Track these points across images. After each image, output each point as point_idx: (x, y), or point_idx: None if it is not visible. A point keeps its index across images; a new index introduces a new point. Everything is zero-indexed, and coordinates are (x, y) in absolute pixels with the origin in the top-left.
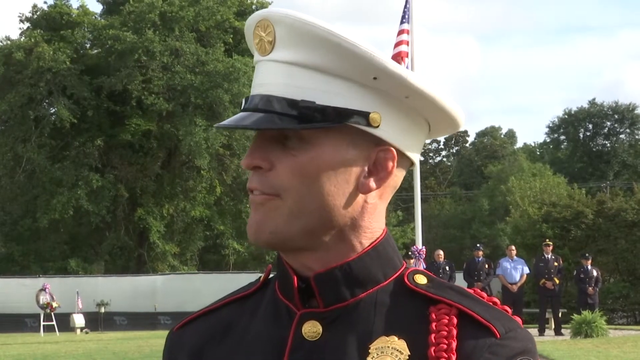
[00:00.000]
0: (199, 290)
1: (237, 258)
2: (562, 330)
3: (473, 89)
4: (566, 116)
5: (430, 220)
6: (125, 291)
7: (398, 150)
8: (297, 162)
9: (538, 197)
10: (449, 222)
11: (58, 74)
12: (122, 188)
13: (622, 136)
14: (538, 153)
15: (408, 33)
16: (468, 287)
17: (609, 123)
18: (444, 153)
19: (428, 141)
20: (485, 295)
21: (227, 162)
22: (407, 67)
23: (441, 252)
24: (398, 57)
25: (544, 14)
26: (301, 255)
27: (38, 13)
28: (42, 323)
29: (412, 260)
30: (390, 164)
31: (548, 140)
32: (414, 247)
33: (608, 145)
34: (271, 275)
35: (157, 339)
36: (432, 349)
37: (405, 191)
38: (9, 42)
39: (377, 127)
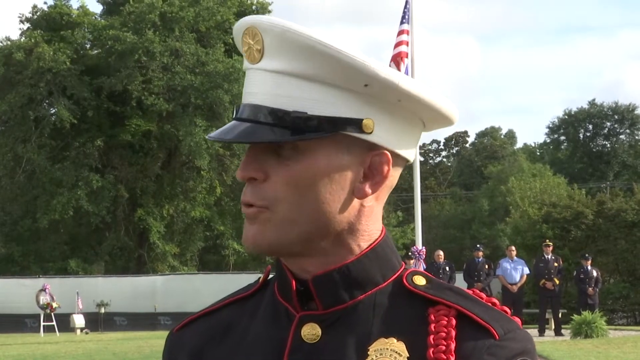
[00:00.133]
0: (199, 290)
1: (237, 258)
2: (562, 331)
3: (473, 89)
4: (566, 116)
5: (430, 220)
6: (125, 291)
7: (392, 152)
8: (292, 172)
9: (538, 197)
10: (449, 223)
11: (58, 75)
12: (122, 188)
13: (622, 137)
14: (538, 153)
15: (408, 33)
16: (468, 287)
17: (609, 123)
18: (444, 153)
19: (428, 142)
20: (484, 296)
21: (227, 162)
22: (407, 68)
23: (441, 253)
24: (398, 58)
25: (544, 14)
26: (300, 259)
27: (38, 13)
28: (42, 323)
29: (412, 261)
30: (386, 167)
31: (548, 140)
32: (414, 247)
33: (608, 145)
34: (270, 276)
35: (157, 340)
36: (431, 350)
37: (405, 191)
38: (9, 42)
39: (371, 133)
